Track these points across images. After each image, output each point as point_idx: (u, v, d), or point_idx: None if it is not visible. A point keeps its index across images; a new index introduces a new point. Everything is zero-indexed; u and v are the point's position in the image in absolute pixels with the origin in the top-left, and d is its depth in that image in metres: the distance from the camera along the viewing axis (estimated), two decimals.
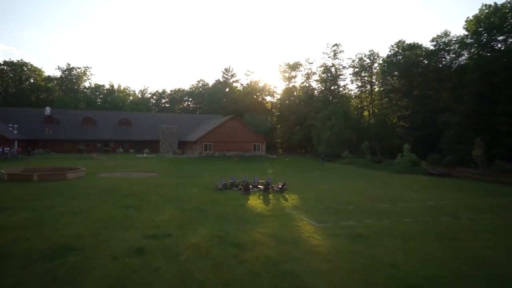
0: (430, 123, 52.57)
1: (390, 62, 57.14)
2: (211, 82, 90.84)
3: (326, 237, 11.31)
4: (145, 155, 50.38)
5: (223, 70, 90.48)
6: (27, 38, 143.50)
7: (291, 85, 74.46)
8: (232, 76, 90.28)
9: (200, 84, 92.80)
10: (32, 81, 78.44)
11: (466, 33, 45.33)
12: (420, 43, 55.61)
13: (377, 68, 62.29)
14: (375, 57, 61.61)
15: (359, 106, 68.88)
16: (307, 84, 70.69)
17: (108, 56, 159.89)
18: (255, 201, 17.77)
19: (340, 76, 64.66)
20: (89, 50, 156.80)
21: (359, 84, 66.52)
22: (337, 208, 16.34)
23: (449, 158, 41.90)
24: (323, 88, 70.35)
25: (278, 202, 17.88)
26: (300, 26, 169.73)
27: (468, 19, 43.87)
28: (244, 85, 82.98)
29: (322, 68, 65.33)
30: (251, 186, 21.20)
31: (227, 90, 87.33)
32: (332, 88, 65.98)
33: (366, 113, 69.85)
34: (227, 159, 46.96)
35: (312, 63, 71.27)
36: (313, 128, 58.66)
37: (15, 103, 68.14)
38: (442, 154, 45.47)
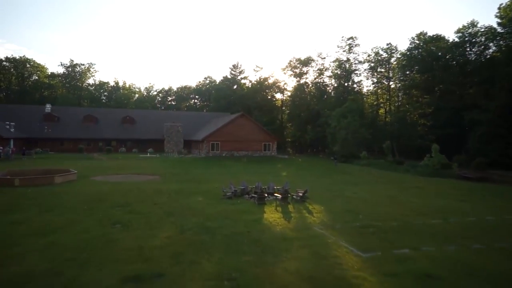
0: (454, 121, 48.58)
1: (410, 56, 53.19)
2: (218, 79, 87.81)
3: (383, 279, 7.92)
4: (148, 155, 47.45)
5: (231, 67, 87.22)
6: (33, 37, 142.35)
7: (302, 81, 70.93)
8: (240, 72, 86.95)
9: (207, 81, 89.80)
10: (35, 78, 76.31)
11: (498, 21, 41.18)
12: (443, 35, 51.61)
13: (395, 62, 58.28)
14: (393, 50, 57.66)
15: (375, 103, 64.98)
16: (320, 80, 67.03)
17: (113, 53, 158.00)
18: (272, 215, 14.45)
19: (356, 72, 60.86)
20: (94, 47, 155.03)
21: (375, 80, 62.62)
22: (378, 226, 12.90)
23: (480, 160, 38.07)
24: (335, 85, 66.68)
25: (301, 216, 14.53)
26: (312, 20, 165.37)
27: (502, 6, 39.81)
28: (253, 81, 79.72)
29: (336, 63, 61.61)
30: (266, 195, 17.85)
31: (235, 87, 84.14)
32: (347, 84, 62.18)
33: (382, 110, 65.97)
34: (236, 159, 43.74)
35: (324, 58, 67.72)
36: (326, 127, 55.08)
37: (18, 101, 65.98)
38: (469, 155, 41.57)
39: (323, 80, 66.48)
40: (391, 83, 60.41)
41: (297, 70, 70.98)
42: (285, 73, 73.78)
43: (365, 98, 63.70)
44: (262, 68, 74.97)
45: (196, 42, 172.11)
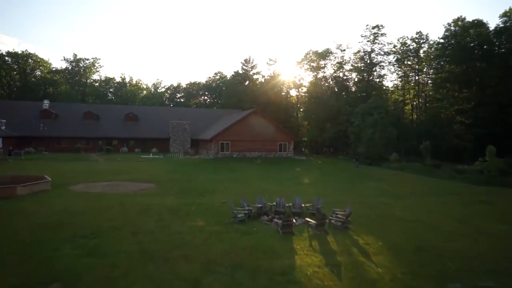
0: (498, 119, 42.38)
1: (445, 45, 47.04)
2: (229, 74, 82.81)
3: None
4: (151, 155, 42.84)
5: (243, 61, 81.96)
6: (38, 32, 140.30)
7: (320, 75, 65.32)
8: (252, 67, 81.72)
9: (218, 77, 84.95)
10: (39, 74, 72.90)
11: None
12: (485, 20, 45.20)
13: (426, 53, 52.01)
14: (423, 40, 51.38)
15: (400, 99, 58.88)
16: (341, 74, 61.28)
17: (119, 48, 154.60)
18: (309, 259, 9.29)
19: (381, 64, 54.88)
20: (100, 42, 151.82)
21: (401, 73, 56.49)
22: None
23: None
24: (356, 79, 60.89)
25: (354, 261, 9.31)
26: (330, 9, 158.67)
27: None
28: (266, 76, 74.47)
29: (360, 54, 55.76)
30: (294, 220, 12.66)
31: (246, 83, 79.10)
32: (370, 77, 56.33)
33: (408, 107, 59.86)
34: (248, 161, 38.68)
35: (344, 50, 61.89)
36: (348, 125, 49.49)
37: (21, 99, 62.41)
38: None
39: (345, 74, 60.71)
40: (420, 76, 54.14)
41: (314, 64, 65.43)
42: (301, 67, 68.35)
43: (389, 94, 57.53)
44: (276, 61, 69.69)
45: (206, 36, 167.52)
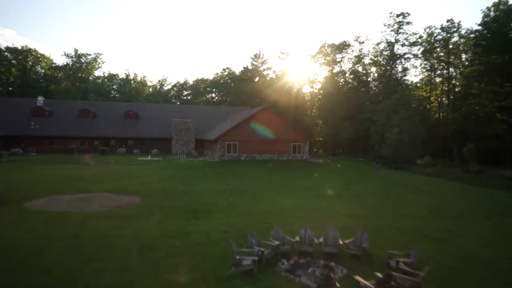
0: None
1: (483, 33, 41.30)
2: (238, 70, 78.16)
3: None
4: (149, 157, 38.46)
5: (252, 56, 77.33)
6: (39, 27, 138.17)
7: (336, 70, 60.08)
8: (262, 63, 76.94)
9: (226, 73, 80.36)
10: (40, 70, 69.53)
11: None
12: None
13: (455, 44, 46.18)
14: (455, 28, 45.59)
15: (426, 95, 53.23)
16: (360, 69, 55.94)
17: (123, 43, 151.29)
18: None
19: (406, 56, 49.31)
20: (103, 37, 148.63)
21: (427, 66, 50.83)
22: None
23: None
24: (376, 74, 55.53)
25: None
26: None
27: None
28: (278, 72, 69.56)
29: (382, 46, 50.34)
30: (333, 277, 7.79)
31: (256, 79, 74.35)
32: (394, 71, 50.88)
33: (434, 104, 54.19)
34: (258, 164, 33.93)
35: (363, 42, 56.57)
36: (370, 124, 44.30)
37: (21, 96, 58.91)
38: None
39: (364, 68, 55.32)
40: (449, 69, 48.38)
41: (330, 58, 60.22)
42: (315, 62, 63.18)
43: (412, 90, 51.83)
44: (288, 55, 64.61)
45: (213, 30, 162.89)
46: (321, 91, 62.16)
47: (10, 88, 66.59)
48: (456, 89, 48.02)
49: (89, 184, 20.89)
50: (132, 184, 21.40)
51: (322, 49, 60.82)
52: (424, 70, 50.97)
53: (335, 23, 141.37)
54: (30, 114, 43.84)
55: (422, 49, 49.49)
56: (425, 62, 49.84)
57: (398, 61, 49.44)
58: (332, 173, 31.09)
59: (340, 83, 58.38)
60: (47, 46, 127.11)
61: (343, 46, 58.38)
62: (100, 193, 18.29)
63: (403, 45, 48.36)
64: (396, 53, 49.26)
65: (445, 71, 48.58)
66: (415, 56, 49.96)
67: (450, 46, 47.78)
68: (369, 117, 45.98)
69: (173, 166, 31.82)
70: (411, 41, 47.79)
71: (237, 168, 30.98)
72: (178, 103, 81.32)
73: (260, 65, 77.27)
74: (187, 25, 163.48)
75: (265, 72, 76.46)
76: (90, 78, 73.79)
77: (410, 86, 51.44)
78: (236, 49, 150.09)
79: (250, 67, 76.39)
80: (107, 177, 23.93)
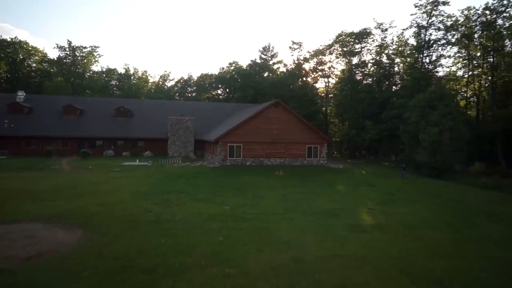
0: None
1: None
2: (246, 64, 71.85)
3: None
4: (137, 161, 32.56)
5: (261, 49, 71.32)
6: (33, 20, 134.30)
7: (355, 62, 53.29)
8: (272, 56, 70.76)
9: (232, 68, 74.11)
10: (33, 65, 64.40)
11: None
12: None
13: (504, 26, 38.80)
14: (504, 7, 37.86)
15: (463, 89, 46.05)
16: (384, 59, 48.98)
17: (122, 36, 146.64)
18: None
19: (441, 43, 42.00)
20: (101, 29, 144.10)
21: (465, 55, 43.53)
22: None
23: None
24: (405, 65, 48.54)
25: None
26: None
27: None
28: (289, 66, 63.07)
29: (411, 31, 43.22)
30: None
31: (265, 74, 68.04)
32: (427, 60, 43.76)
33: (473, 99, 46.94)
34: (266, 172, 27.71)
35: (386, 30, 49.52)
36: (399, 123, 37.57)
37: (11, 92, 53.83)
38: None
39: (390, 57, 48.27)
40: (495, 58, 40.80)
41: (348, 48, 53.46)
42: (330, 53, 56.46)
43: (448, 82, 44.62)
44: (301, 45, 57.87)
45: (219, 20, 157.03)
46: (339, 85, 55.45)
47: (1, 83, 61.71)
48: (499, 82, 40.59)
49: (29, 204, 15.06)
50: (91, 204, 15.42)
51: (339, 38, 54.05)
52: (460, 60, 43.66)
53: (353, 10, 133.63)
54: (6, 111, 38.46)
55: (458, 35, 42.14)
56: (462, 51, 42.56)
57: (432, 49, 42.26)
58: (358, 183, 24.59)
59: (360, 76, 51.62)
60: (45, 40, 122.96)
61: (362, 34, 51.53)
62: (27, 223, 12.32)
63: (439, 29, 41.12)
64: (430, 39, 42.06)
65: (486, 61, 41.16)
66: (450, 43, 42.56)
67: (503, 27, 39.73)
68: (397, 114, 39.25)
69: (161, 173, 25.81)
70: (447, 24, 40.56)
71: (239, 177, 24.77)
72: (182, 99, 75.55)
73: (270, 58, 70.99)
74: (191, 16, 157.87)
75: (275, 66, 70.13)
76: (87, 73, 68.44)
77: (445, 78, 44.13)
78: (244, 42, 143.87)
79: (258, 61, 70.19)
80: (66, 192, 18.05)
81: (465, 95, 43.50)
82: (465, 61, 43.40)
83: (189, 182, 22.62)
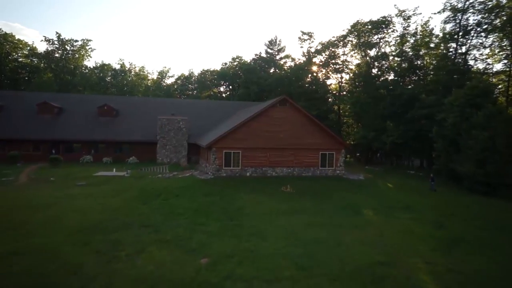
0: None
1: None
2: (250, 59, 65.90)
3: None
4: (114, 170, 26.92)
5: (267, 43, 65.25)
6: (25, 13, 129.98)
7: (372, 54, 47.09)
8: (279, 51, 64.72)
9: (236, 63, 68.30)
10: (19, 59, 59.47)
11: None
12: None
13: None
14: None
15: (503, 84, 39.48)
16: (409, 51, 42.55)
17: (117, 29, 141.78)
18: None
19: (479, 30, 35.33)
20: (94, 22, 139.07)
21: (507, 44, 36.90)
22: None
23: None
24: (433, 57, 42.18)
25: None
26: None
27: None
28: (297, 60, 57.01)
29: (447, 12, 36.52)
30: None
31: (271, 70, 62.07)
32: (458, 52, 37.28)
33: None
34: (270, 186, 21.87)
35: (409, 18, 43.14)
36: (429, 124, 31.40)
37: None
38: None
39: (416, 48, 41.78)
40: None
41: (364, 39, 47.29)
42: (345, 45, 50.27)
43: (488, 76, 38.06)
44: (311, 36, 51.75)
45: (221, 12, 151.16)
46: (355, 82, 49.23)
47: None
48: None
49: None
50: None
51: (355, 28, 47.85)
52: (501, 50, 37.00)
53: None
54: None
55: (502, 19, 35.22)
56: (505, 39, 35.96)
57: (469, 35, 35.72)
58: (390, 206, 18.61)
59: (380, 71, 45.35)
60: (38, 33, 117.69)
61: (382, 23, 45.26)
62: None
63: (479, 11, 34.49)
64: (468, 24, 35.41)
65: None
66: (496, 27, 35.33)
67: None
68: (427, 114, 33.07)
69: (135, 189, 20.09)
70: (489, 6, 33.96)
71: (234, 196, 18.93)
72: (184, 97, 70.01)
73: (276, 53, 64.96)
74: (192, 8, 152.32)
75: (282, 61, 64.10)
76: (79, 69, 63.20)
77: (484, 72, 37.40)
78: (249, 35, 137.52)
79: (264, 55, 64.24)
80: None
81: (508, 91, 36.80)
82: (506, 51, 36.73)
83: (165, 204, 16.91)
